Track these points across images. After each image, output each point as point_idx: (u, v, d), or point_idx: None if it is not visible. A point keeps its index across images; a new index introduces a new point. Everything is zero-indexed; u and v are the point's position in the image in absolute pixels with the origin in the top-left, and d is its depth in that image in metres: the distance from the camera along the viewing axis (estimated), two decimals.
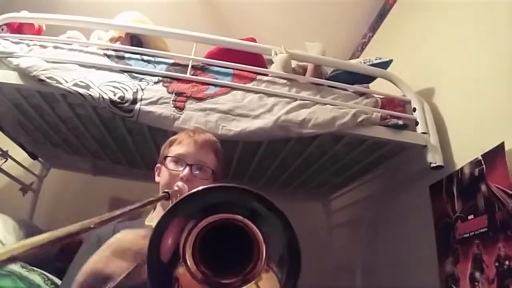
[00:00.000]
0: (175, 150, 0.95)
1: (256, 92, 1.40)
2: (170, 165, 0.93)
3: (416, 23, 1.89)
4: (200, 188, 0.49)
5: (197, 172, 0.92)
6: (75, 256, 0.86)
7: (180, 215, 0.50)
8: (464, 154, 1.32)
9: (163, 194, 0.63)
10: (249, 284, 0.51)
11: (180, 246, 0.51)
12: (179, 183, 0.86)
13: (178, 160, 0.93)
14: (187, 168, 0.91)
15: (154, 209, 0.99)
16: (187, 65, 1.42)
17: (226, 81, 1.42)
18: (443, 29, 1.63)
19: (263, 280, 0.51)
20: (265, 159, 1.75)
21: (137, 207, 0.48)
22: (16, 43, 1.43)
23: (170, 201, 0.66)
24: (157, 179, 0.99)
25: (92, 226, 0.34)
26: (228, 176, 1.99)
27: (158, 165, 1.01)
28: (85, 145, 1.91)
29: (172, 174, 0.91)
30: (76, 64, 1.38)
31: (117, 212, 0.43)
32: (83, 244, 0.88)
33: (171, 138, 1.01)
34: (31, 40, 1.46)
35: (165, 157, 0.96)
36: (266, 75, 1.49)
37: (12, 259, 0.24)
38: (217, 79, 1.42)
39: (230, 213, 0.51)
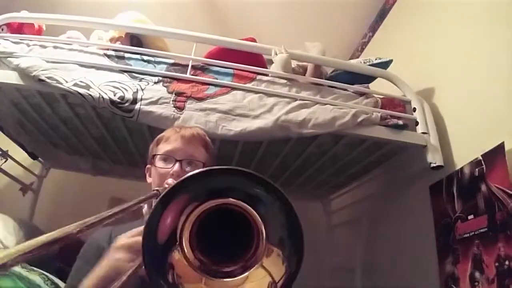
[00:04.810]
0: (163, 147, 0.93)
1: (256, 92, 1.40)
2: (159, 163, 0.91)
3: (416, 23, 1.89)
4: (200, 170, 0.48)
5: (188, 167, 0.90)
6: (74, 256, 0.86)
7: (181, 196, 0.48)
8: (464, 154, 1.32)
9: (153, 192, 0.62)
10: (251, 270, 0.50)
11: (177, 229, 0.49)
12: (169, 180, 0.84)
13: (167, 157, 0.91)
14: (177, 164, 0.88)
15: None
16: (187, 65, 1.42)
17: (226, 81, 1.42)
18: (443, 29, 1.63)
19: (266, 263, 0.50)
20: (265, 159, 1.75)
21: (126, 208, 0.47)
22: (16, 43, 1.43)
23: None
24: (148, 180, 0.97)
25: (75, 231, 0.33)
26: None
27: (148, 166, 0.98)
28: (85, 145, 1.91)
29: (162, 173, 0.89)
30: (76, 64, 1.38)
31: (105, 214, 0.41)
32: (82, 249, 0.87)
33: (158, 136, 0.99)
34: (31, 40, 1.46)
35: (154, 155, 0.94)
36: (266, 75, 1.49)
37: (8, 265, 0.24)
38: (217, 79, 1.42)
39: (231, 198, 0.50)
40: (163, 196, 0.47)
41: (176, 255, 0.49)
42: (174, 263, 0.49)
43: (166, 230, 0.48)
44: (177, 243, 0.49)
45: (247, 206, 0.50)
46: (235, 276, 0.50)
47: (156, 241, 0.47)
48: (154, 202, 0.49)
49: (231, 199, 0.50)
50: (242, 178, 0.48)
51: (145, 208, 0.71)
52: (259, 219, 0.50)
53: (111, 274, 0.61)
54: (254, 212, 0.50)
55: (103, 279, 0.62)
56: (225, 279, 0.50)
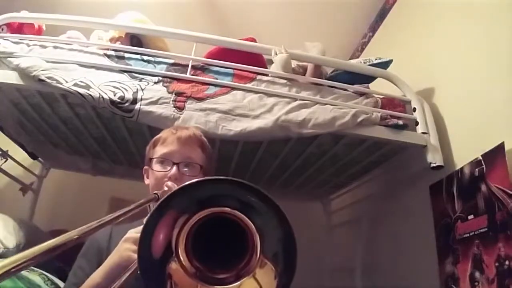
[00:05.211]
0: (160, 150, 0.93)
1: (256, 92, 1.40)
2: (157, 166, 0.91)
3: (416, 23, 1.89)
4: (189, 182, 0.47)
5: (185, 169, 0.90)
6: (74, 256, 0.86)
7: (171, 210, 0.49)
8: (464, 154, 1.32)
9: (152, 196, 0.62)
10: (243, 279, 0.50)
11: (172, 241, 0.49)
12: (169, 183, 0.83)
13: (164, 160, 0.91)
14: (174, 167, 0.88)
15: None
16: (187, 65, 1.42)
17: (226, 81, 1.42)
18: (443, 29, 1.63)
19: (259, 274, 0.50)
20: (265, 159, 1.75)
21: (125, 212, 0.47)
22: (16, 43, 1.43)
23: None
24: (146, 181, 0.97)
25: (75, 237, 0.34)
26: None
27: (145, 167, 0.98)
28: (85, 145, 1.91)
29: (160, 176, 0.89)
30: (76, 64, 1.38)
31: (107, 218, 0.43)
32: (83, 248, 0.87)
33: (154, 138, 0.98)
34: (31, 40, 1.46)
35: (151, 159, 0.93)
36: (266, 75, 1.49)
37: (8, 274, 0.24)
38: (217, 79, 1.42)
39: (223, 207, 0.50)
40: (158, 207, 0.47)
41: (174, 265, 0.50)
42: (171, 273, 0.49)
43: (162, 240, 0.49)
44: (173, 255, 0.50)
45: (244, 216, 0.50)
46: (228, 284, 0.50)
47: (152, 252, 0.48)
48: (153, 206, 0.50)
49: (228, 208, 0.50)
50: (242, 190, 0.48)
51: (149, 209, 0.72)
52: (255, 231, 0.50)
53: (121, 262, 0.67)
54: (251, 224, 0.50)
55: (116, 265, 0.68)
56: (218, 287, 0.50)
